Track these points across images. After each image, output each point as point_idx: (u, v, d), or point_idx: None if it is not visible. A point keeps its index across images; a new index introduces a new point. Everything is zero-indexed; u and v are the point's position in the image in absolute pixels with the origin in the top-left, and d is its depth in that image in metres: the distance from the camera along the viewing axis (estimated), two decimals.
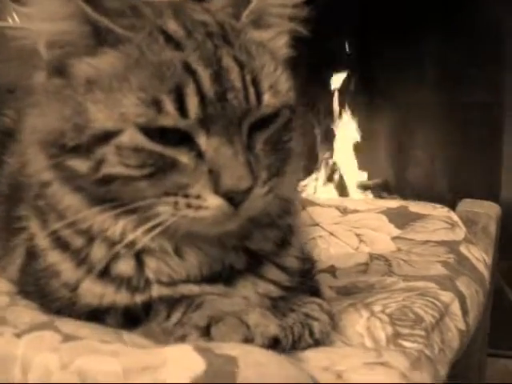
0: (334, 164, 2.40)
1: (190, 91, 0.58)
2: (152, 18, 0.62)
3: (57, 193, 0.65)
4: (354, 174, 2.42)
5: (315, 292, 0.74)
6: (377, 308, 0.77)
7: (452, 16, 2.14)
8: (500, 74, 2.11)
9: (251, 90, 0.60)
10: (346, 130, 2.40)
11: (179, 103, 0.58)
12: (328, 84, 2.39)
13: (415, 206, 1.15)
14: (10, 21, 1.19)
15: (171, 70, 0.58)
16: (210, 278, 0.66)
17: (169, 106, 0.57)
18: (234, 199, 0.59)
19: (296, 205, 0.76)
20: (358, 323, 0.74)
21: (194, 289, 0.65)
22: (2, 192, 0.88)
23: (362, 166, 2.43)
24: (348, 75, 2.35)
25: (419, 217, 1.11)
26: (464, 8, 2.13)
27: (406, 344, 0.70)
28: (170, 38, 0.60)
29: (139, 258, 0.65)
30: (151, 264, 0.65)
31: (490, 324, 1.25)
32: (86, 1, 0.60)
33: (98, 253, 0.66)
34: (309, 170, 2.40)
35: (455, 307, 0.82)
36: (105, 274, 0.66)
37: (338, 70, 2.36)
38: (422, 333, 0.72)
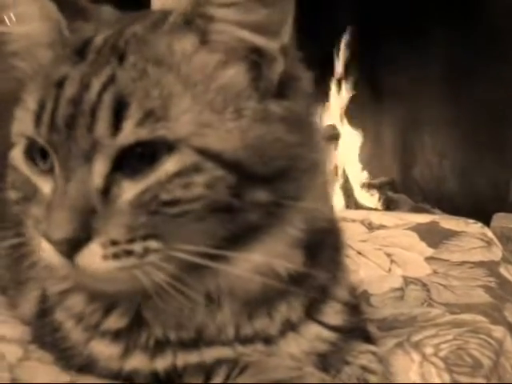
0: (339, 163, 2.34)
1: (46, 108, 0.50)
2: (92, 28, 0.55)
3: None
4: (358, 173, 2.37)
5: (366, 334, 0.66)
6: (428, 350, 0.69)
7: (460, 12, 2.07)
8: (509, 71, 2.05)
9: (104, 116, 0.48)
10: (350, 129, 2.34)
11: (36, 117, 0.51)
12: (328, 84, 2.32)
13: (447, 222, 1.08)
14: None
15: (50, 83, 0.51)
16: (245, 338, 0.57)
17: (28, 116, 0.51)
18: (63, 249, 0.49)
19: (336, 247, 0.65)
20: (410, 369, 0.66)
21: (225, 352, 0.56)
22: (11, 217, 0.80)
23: (367, 165, 2.37)
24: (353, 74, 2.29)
25: (452, 234, 1.04)
26: (472, 3, 2.06)
27: None
28: (78, 52, 0.52)
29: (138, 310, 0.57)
30: (152, 318, 0.56)
31: None
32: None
33: (78, 304, 0.59)
34: None
35: (509, 343, 0.75)
36: (105, 331, 0.58)
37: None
38: (483, 381, 0.65)
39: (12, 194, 0.56)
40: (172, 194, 0.48)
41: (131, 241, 0.48)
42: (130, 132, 0.48)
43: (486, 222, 1.26)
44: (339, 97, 2.32)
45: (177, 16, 0.51)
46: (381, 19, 2.16)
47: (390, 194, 2.35)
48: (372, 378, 0.60)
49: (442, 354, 0.68)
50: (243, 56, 0.51)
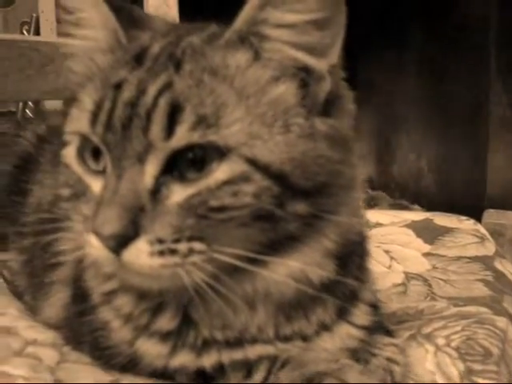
0: None
1: (104, 109, 0.54)
2: (148, 36, 0.59)
3: None
4: None
5: (388, 329, 0.72)
6: (440, 341, 0.74)
7: (435, 13, 2.14)
8: (487, 70, 2.12)
9: (159, 119, 0.51)
10: None
11: (93, 116, 0.54)
12: None
13: (441, 219, 1.13)
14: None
15: (108, 85, 0.54)
16: (284, 337, 0.61)
17: (84, 115, 0.55)
18: (111, 245, 0.51)
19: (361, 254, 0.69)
20: (426, 360, 0.71)
21: (267, 349, 0.60)
22: (30, 223, 0.82)
23: None
24: None
25: (447, 230, 1.10)
26: (447, 5, 2.13)
27: (481, 381, 0.68)
28: (136, 58, 0.56)
29: (186, 312, 0.60)
30: (200, 319, 0.60)
31: None
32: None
33: (126, 305, 0.62)
34: None
35: (511, 333, 0.80)
36: (154, 331, 0.61)
37: None
38: (495, 368, 0.70)
39: (64, 192, 0.58)
40: (221, 201, 0.51)
41: (177, 240, 0.51)
42: (182, 136, 0.51)
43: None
44: None
45: (232, 33, 0.55)
46: (359, 17, 2.21)
47: (368, 191, 2.41)
48: (396, 369, 0.65)
49: (453, 344, 0.73)
50: (294, 74, 0.55)
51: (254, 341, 0.60)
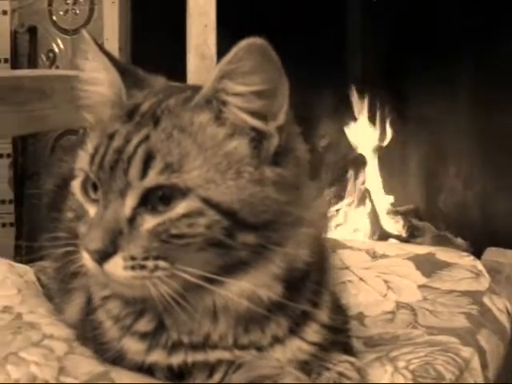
0: (366, 190, 2.47)
1: (99, 153, 0.68)
2: (143, 95, 0.73)
3: None
4: (384, 200, 2.49)
5: (347, 348, 0.82)
6: (401, 363, 0.84)
7: (487, 38, 2.18)
8: None
9: (136, 164, 0.65)
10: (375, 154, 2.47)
11: (92, 158, 0.69)
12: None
13: (442, 254, 1.22)
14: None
15: (104, 134, 0.69)
16: (242, 346, 0.73)
17: (87, 156, 0.70)
18: (95, 258, 0.66)
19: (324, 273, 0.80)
20: (383, 378, 0.82)
21: (225, 355, 0.72)
22: (62, 236, 0.99)
23: (393, 193, 2.49)
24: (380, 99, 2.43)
25: (446, 265, 1.18)
26: (500, 30, 2.16)
27: None
28: (128, 114, 0.70)
29: (161, 317, 0.73)
30: (171, 324, 0.73)
31: None
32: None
33: (115, 308, 0.76)
34: (340, 196, 2.48)
35: (475, 363, 0.89)
36: (134, 332, 0.75)
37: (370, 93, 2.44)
38: None
39: (69, 214, 0.76)
40: (179, 230, 0.65)
41: (145, 258, 0.66)
42: (153, 178, 0.65)
43: None
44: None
45: (201, 97, 0.69)
46: (409, 49, 2.30)
47: (414, 221, 2.47)
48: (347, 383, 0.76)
49: (411, 367, 0.83)
50: (246, 132, 0.69)
51: (215, 347, 0.72)
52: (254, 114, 0.68)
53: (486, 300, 1.08)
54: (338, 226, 2.41)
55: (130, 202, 0.67)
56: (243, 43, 0.65)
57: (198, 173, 0.66)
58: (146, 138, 0.67)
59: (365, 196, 2.46)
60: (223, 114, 0.69)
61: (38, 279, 1.09)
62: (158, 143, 0.66)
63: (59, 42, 2.38)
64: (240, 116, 0.68)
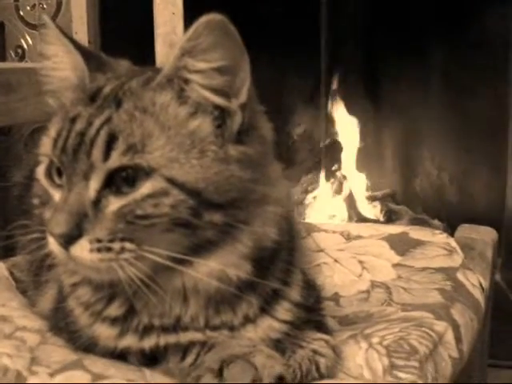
0: (343, 176, 2.48)
1: (61, 137, 0.68)
2: (105, 78, 0.72)
3: None
4: (361, 185, 2.50)
5: (321, 327, 0.83)
6: (375, 340, 0.85)
7: (459, 25, 2.20)
8: (507, 85, 2.18)
9: (99, 146, 0.65)
10: (350, 140, 2.48)
11: (55, 142, 0.69)
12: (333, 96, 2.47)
13: (415, 233, 1.23)
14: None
15: (67, 118, 0.69)
16: (213, 327, 0.73)
17: (50, 140, 0.69)
18: (61, 242, 0.65)
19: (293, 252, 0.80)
20: (357, 355, 0.82)
21: (197, 336, 0.72)
22: (35, 229, 0.98)
23: (369, 178, 2.51)
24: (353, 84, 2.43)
25: (419, 243, 1.19)
26: (470, 17, 2.19)
27: (401, 375, 0.78)
28: (91, 97, 0.70)
29: (131, 301, 0.73)
30: (141, 308, 0.72)
31: (495, 334, 1.33)
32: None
33: (85, 294, 0.76)
34: (317, 182, 2.49)
35: (449, 336, 0.90)
36: (105, 317, 0.75)
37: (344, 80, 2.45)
38: (416, 364, 0.80)
39: (35, 200, 0.76)
40: (144, 210, 0.65)
41: (111, 240, 0.65)
42: (116, 159, 0.65)
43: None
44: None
45: (162, 76, 0.69)
46: (382, 36, 2.31)
47: (391, 205, 2.49)
48: (321, 360, 0.76)
49: (385, 342, 0.84)
50: (209, 110, 0.68)
51: (187, 328, 0.72)
52: (215, 91, 0.68)
53: (459, 276, 1.09)
54: (315, 212, 2.42)
55: (94, 184, 0.66)
56: (202, 19, 0.65)
57: (161, 152, 0.65)
58: (108, 119, 0.66)
59: (341, 182, 2.47)
60: (185, 93, 0.68)
61: (11, 274, 1.08)
62: (121, 124, 0.66)
63: (27, 37, 2.34)
64: (202, 93, 0.68)
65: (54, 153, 0.69)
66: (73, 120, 0.68)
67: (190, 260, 0.67)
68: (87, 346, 0.76)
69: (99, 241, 0.65)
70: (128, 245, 0.66)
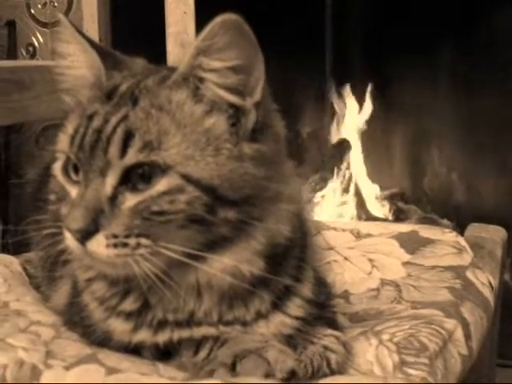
0: (351, 175, 2.48)
1: (79, 134, 0.69)
2: (121, 76, 0.74)
3: None
4: (370, 185, 2.51)
5: (332, 323, 0.84)
6: (385, 336, 0.86)
7: (467, 24, 2.21)
8: None
9: (116, 143, 0.66)
10: (359, 139, 2.49)
11: (72, 139, 0.70)
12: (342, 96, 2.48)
13: (425, 231, 1.23)
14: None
15: (84, 116, 0.70)
16: (226, 322, 0.74)
17: (67, 137, 0.71)
18: (78, 237, 0.67)
19: (306, 247, 0.82)
20: (368, 351, 0.83)
21: (210, 331, 0.73)
22: (48, 225, 0.99)
23: (379, 177, 2.51)
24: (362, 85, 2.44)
25: (429, 242, 1.20)
26: (479, 17, 2.19)
27: (411, 371, 0.79)
28: (108, 95, 0.71)
29: (145, 296, 0.74)
30: (156, 303, 0.74)
31: (505, 334, 1.34)
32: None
33: (101, 289, 0.77)
34: (326, 181, 2.50)
35: (458, 334, 0.91)
36: (120, 312, 0.76)
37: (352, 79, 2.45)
38: (426, 361, 0.81)
39: (51, 196, 0.77)
40: (160, 207, 0.66)
41: (127, 236, 0.67)
42: (132, 156, 0.66)
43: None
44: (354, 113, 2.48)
45: (178, 75, 0.70)
46: (390, 36, 2.32)
47: (400, 204, 2.49)
48: (332, 356, 0.77)
49: (395, 339, 0.85)
50: (224, 108, 0.69)
51: (201, 323, 0.73)
52: (230, 89, 0.69)
53: (468, 274, 1.09)
54: (323, 211, 2.43)
55: (111, 180, 0.67)
56: (218, 19, 0.66)
57: (177, 150, 0.67)
58: (125, 117, 0.68)
59: (350, 181, 2.48)
60: (200, 91, 0.69)
61: (25, 269, 1.10)
62: (137, 122, 0.67)
63: (38, 35, 2.36)
64: (217, 92, 0.69)
65: (71, 149, 0.70)
66: (90, 117, 0.69)
67: (205, 256, 0.69)
68: (101, 341, 0.77)
69: (115, 236, 0.66)
70: (144, 240, 0.67)
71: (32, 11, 2.38)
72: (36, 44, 2.38)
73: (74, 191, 0.71)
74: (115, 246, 0.67)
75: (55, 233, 0.74)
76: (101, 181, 0.67)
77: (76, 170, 0.71)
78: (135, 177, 0.67)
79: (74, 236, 0.67)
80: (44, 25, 2.36)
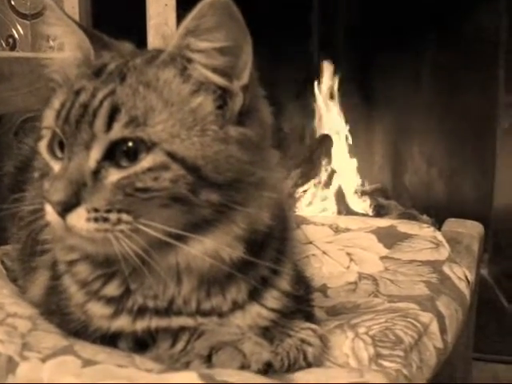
0: (333, 170, 2.50)
1: (65, 108, 0.70)
2: (110, 56, 0.74)
3: None
4: (351, 180, 2.52)
5: (309, 316, 0.85)
6: (361, 329, 0.87)
7: (450, 22, 2.22)
8: (497, 82, 2.20)
9: (102, 117, 0.67)
10: (341, 134, 2.50)
11: (58, 113, 0.71)
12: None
13: (403, 226, 1.25)
14: None
15: (71, 91, 0.71)
16: (204, 312, 0.75)
17: (53, 113, 0.71)
18: (58, 209, 0.67)
19: (287, 239, 0.83)
20: (344, 344, 0.84)
21: (188, 321, 0.74)
22: (24, 218, 0.99)
23: (359, 173, 2.53)
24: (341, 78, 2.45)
25: (406, 236, 1.21)
26: (462, 14, 2.21)
27: (386, 364, 0.80)
28: (96, 72, 0.72)
29: (127, 280, 0.74)
30: (137, 288, 0.74)
31: (481, 329, 1.36)
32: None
33: (83, 272, 0.77)
34: (307, 177, 2.51)
35: (434, 327, 0.92)
36: (101, 296, 0.76)
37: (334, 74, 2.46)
38: (401, 353, 0.82)
39: (36, 174, 0.78)
40: (144, 183, 0.67)
41: (108, 211, 0.67)
42: (118, 130, 0.67)
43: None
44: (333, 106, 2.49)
45: (166, 54, 0.71)
46: (373, 31, 2.32)
47: (380, 200, 2.51)
48: (309, 349, 0.78)
49: (371, 332, 0.86)
50: (211, 89, 0.70)
51: (179, 313, 0.74)
52: (217, 71, 0.70)
53: (445, 269, 1.11)
54: (305, 206, 2.44)
55: (95, 154, 0.68)
56: (207, 0, 0.66)
57: (163, 127, 0.67)
58: (112, 92, 0.68)
59: (331, 176, 2.49)
60: (188, 71, 0.70)
61: (2, 262, 1.09)
62: (124, 97, 0.68)
63: (19, 27, 2.34)
64: (204, 73, 0.70)
65: (56, 123, 0.71)
66: (77, 92, 0.70)
67: (185, 236, 0.69)
68: (79, 329, 0.77)
69: (96, 210, 0.67)
70: (125, 216, 0.67)
71: (12, 3, 2.35)
72: (16, 36, 2.35)
73: (56, 167, 0.71)
74: (96, 220, 0.67)
75: (37, 209, 0.73)
76: (85, 154, 0.68)
77: (61, 147, 0.71)
78: (120, 152, 0.68)
79: (54, 209, 0.67)
80: (24, 16, 2.34)
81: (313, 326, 0.82)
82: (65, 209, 0.67)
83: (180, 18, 0.72)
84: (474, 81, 2.23)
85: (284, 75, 2.37)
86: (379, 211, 2.48)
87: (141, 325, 0.74)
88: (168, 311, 0.74)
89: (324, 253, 1.19)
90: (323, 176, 2.50)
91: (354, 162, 2.51)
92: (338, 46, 2.48)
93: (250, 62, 0.70)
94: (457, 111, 2.31)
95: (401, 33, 2.28)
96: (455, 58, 2.25)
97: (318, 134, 2.52)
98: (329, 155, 2.50)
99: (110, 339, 0.76)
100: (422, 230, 1.23)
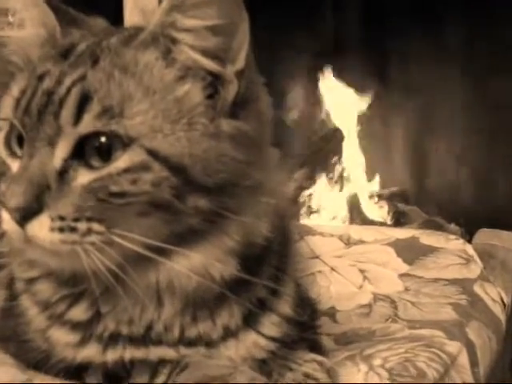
0: (345, 170, 2.49)
1: (26, 96, 0.68)
2: (80, 34, 0.73)
3: None
4: (365, 182, 2.51)
5: (315, 346, 0.84)
6: (376, 361, 0.86)
7: (479, 8, 2.22)
8: None
9: (69, 107, 0.65)
10: (353, 128, 2.49)
11: (17, 102, 0.69)
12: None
13: (427, 238, 1.25)
14: None
15: (33, 76, 0.69)
16: (189, 341, 0.73)
17: (11, 101, 0.69)
18: (16, 217, 0.64)
19: (288, 255, 0.82)
20: (355, 379, 0.83)
21: (169, 353, 0.73)
22: None
23: (376, 174, 2.52)
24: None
25: (431, 250, 1.21)
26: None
27: None
28: (63, 53, 0.70)
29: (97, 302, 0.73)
30: (109, 310, 0.73)
31: None
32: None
33: (45, 291, 0.76)
34: (314, 178, 2.50)
35: (463, 358, 0.92)
36: (66, 320, 0.75)
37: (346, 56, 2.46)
38: None
39: None
40: (120, 187, 0.65)
41: (77, 219, 0.65)
42: (88, 123, 0.65)
43: None
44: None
45: (147, 33, 0.69)
46: (391, 6, 2.32)
47: (400, 206, 2.51)
48: None
49: (388, 365, 0.85)
50: (200, 75, 0.69)
51: (159, 341, 0.73)
52: (208, 53, 0.68)
53: (476, 289, 1.11)
54: (311, 212, 2.43)
55: (61, 151, 0.66)
56: None
57: (143, 119, 0.66)
58: (82, 77, 0.67)
59: (342, 177, 2.49)
60: (172, 54, 0.69)
61: None
62: (96, 84, 0.66)
63: None
64: (191, 56, 0.69)
65: (15, 114, 0.69)
66: (40, 78, 0.69)
67: (168, 250, 0.68)
68: (40, 360, 0.76)
69: (62, 219, 0.65)
70: (96, 226, 0.66)
71: None
72: None
73: (15, 166, 0.70)
74: (61, 230, 0.65)
75: None
76: (49, 151, 0.66)
77: (20, 143, 0.70)
78: (91, 149, 0.66)
79: (12, 216, 0.66)
80: None
81: (319, 357, 0.81)
82: (24, 216, 0.65)
83: None
84: (509, 69, 2.22)
85: (289, 57, 2.37)
86: (399, 219, 2.47)
87: (112, 355, 0.73)
88: (145, 339, 0.73)
89: (332, 269, 1.19)
90: (332, 177, 2.50)
91: (369, 161, 2.50)
92: (351, 23, 2.48)
93: (246, 44, 0.69)
94: (491, 102, 2.30)
95: (424, 5, 2.27)
96: (489, 38, 2.25)
97: (326, 128, 2.52)
98: (339, 153, 2.50)
99: (75, 371, 0.75)
100: (450, 243, 1.23)
